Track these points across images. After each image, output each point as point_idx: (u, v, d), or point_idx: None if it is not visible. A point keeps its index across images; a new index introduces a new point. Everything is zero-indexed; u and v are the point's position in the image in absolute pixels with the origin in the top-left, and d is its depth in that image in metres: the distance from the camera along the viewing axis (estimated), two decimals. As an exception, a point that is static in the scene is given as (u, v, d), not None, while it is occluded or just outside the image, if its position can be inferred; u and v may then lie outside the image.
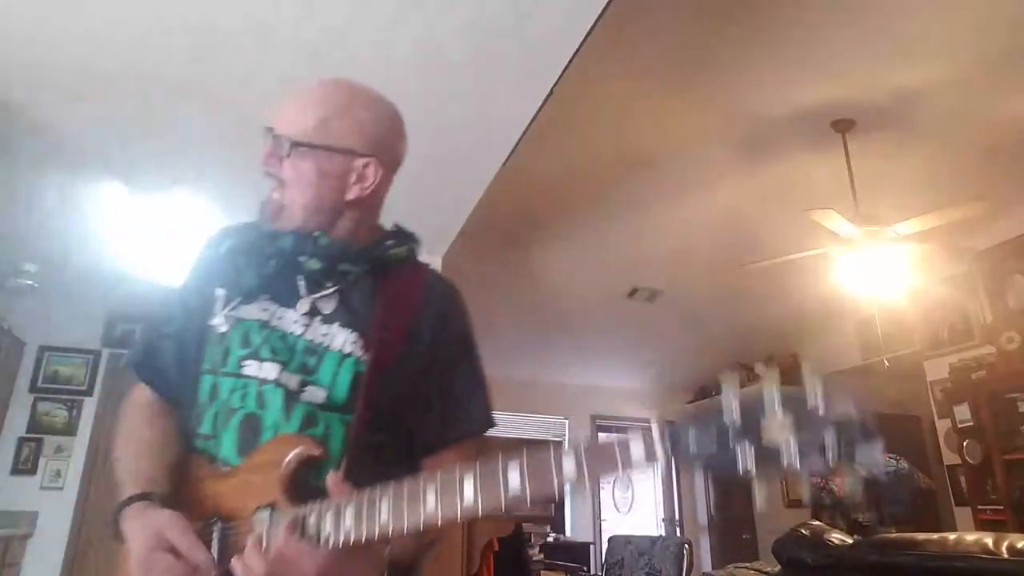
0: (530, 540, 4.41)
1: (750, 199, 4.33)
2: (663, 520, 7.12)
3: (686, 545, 4.01)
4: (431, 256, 3.84)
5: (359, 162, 0.95)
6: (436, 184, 3.03)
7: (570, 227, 4.59)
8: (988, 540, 1.54)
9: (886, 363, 5.02)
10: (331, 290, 0.92)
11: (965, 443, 4.53)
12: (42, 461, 4.47)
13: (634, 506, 7.33)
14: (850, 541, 1.87)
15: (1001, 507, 4.19)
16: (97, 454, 4.59)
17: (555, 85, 2.34)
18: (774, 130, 3.67)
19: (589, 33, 2.15)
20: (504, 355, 6.26)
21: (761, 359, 6.72)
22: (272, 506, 0.80)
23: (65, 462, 4.51)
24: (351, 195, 0.95)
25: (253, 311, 0.92)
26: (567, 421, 7.00)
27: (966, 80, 3.25)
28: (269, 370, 0.89)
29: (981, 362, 4.60)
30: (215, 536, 0.82)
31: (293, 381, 0.89)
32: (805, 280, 4.74)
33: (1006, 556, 1.47)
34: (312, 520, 0.75)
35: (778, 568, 2.02)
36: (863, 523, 4.93)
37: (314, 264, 0.91)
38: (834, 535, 1.89)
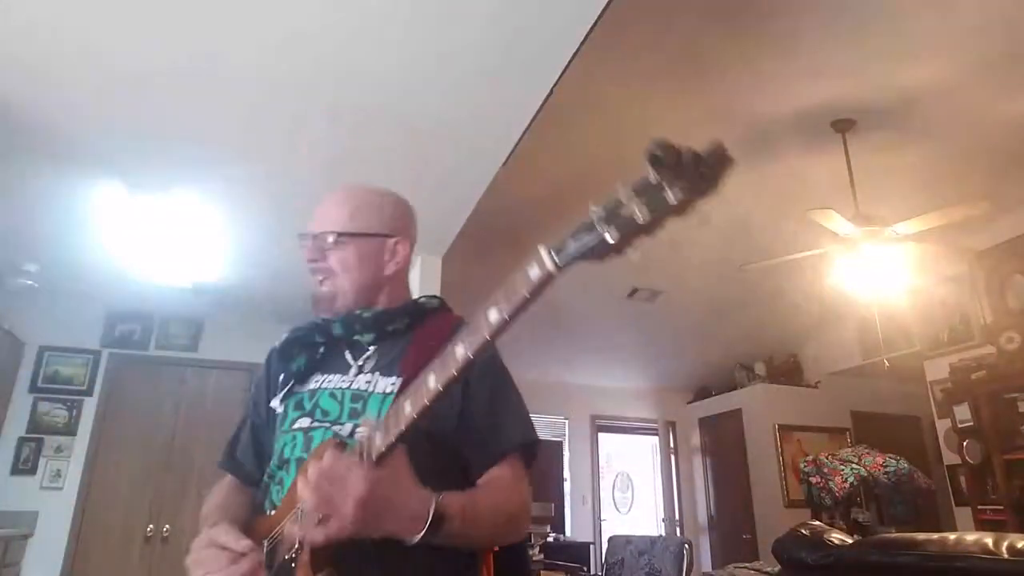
0: (530, 540, 4.41)
1: (750, 199, 4.33)
2: (663, 520, 7.13)
3: (686, 545, 4.01)
4: (431, 257, 3.84)
5: (390, 242, 1.11)
6: (436, 184, 3.03)
7: (570, 227, 4.58)
8: (988, 540, 1.54)
9: (886, 363, 5.03)
10: (371, 351, 1.06)
11: (965, 443, 4.53)
12: (42, 461, 4.47)
13: (634, 506, 7.33)
14: (850, 541, 1.87)
15: (1001, 507, 4.20)
16: (97, 454, 4.60)
17: (555, 85, 2.34)
18: (774, 130, 3.67)
19: (589, 33, 2.15)
20: (504, 355, 6.25)
21: (761, 359, 6.74)
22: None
23: (65, 462, 4.51)
24: (388, 271, 1.11)
25: (302, 387, 1.07)
26: (567, 421, 7.01)
27: (966, 80, 3.25)
28: (319, 421, 1.00)
29: (981, 362, 4.60)
30: (265, 548, 0.90)
31: (345, 429, 0.97)
32: (805, 280, 4.75)
33: (1006, 556, 1.47)
34: (357, 438, 0.79)
35: (778, 568, 2.02)
36: (863, 523, 4.93)
37: (366, 337, 1.06)
38: (834, 535, 1.89)
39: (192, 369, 4.98)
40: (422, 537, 0.76)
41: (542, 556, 4.97)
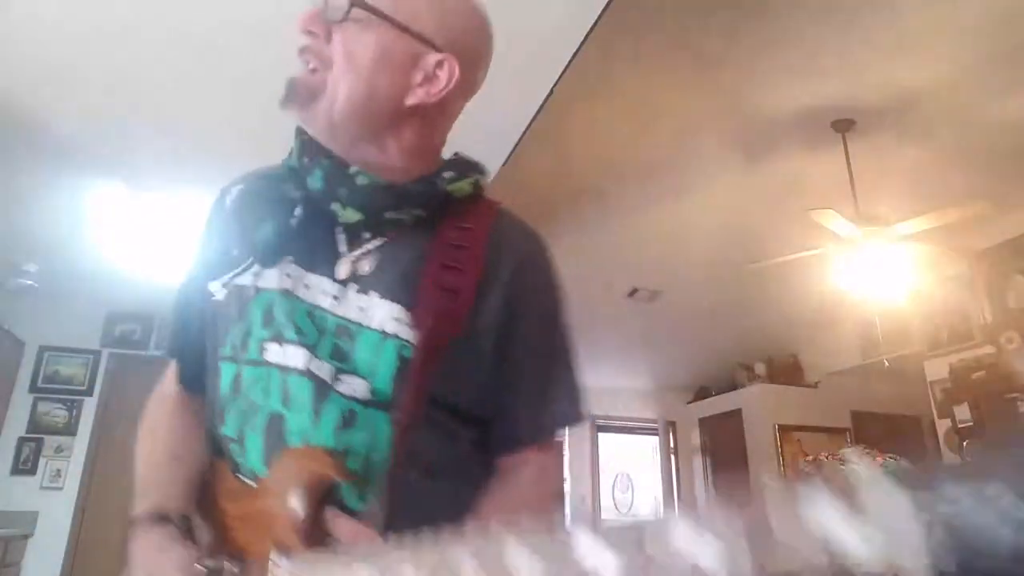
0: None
1: (750, 199, 4.33)
2: (663, 520, 7.11)
3: (686, 545, 4.00)
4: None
5: (433, 57, 0.72)
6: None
7: (570, 227, 4.59)
8: (988, 540, 1.54)
9: (886, 363, 5.02)
10: (372, 246, 0.72)
11: (965, 443, 4.52)
12: (42, 461, 4.47)
13: (634, 506, 7.32)
14: (850, 541, 1.87)
15: (1001, 507, 4.19)
16: (97, 454, 4.59)
17: (555, 85, 2.34)
18: (774, 130, 3.66)
19: (589, 33, 2.15)
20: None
21: (761, 359, 6.73)
22: (286, 551, 0.60)
23: (65, 462, 4.51)
24: (414, 98, 0.72)
25: (273, 278, 0.71)
26: (567, 421, 6.99)
27: (966, 80, 3.25)
28: (294, 356, 0.68)
29: (981, 362, 4.60)
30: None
31: (325, 370, 0.68)
32: (805, 280, 4.74)
33: (1006, 556, 1.47)
34: None
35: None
36: (863, 523, 4.93)
37: (351, 215, 0.70)
38: (834, 535, 1.89)
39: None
40: None
41: (542, 556, 4.96)
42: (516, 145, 2.77)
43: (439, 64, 0.72)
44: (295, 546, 0.60)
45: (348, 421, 0.66)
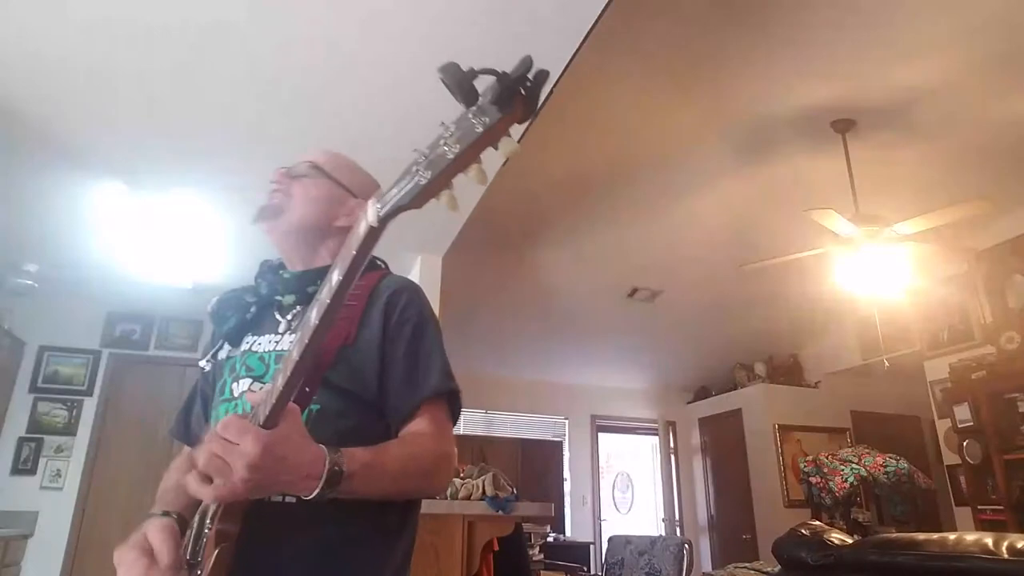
0: (530, 540, 4.41)
1: (750, 199, 4.33)
2: (663, 520, 7.12)
3: (686, 545, 4.01)
4: (431, 256, 3.83)
5: (352, 200, 1.14)
6: (436, 184, 3.02)
7: (570, 227, 4.59)
8: (988, 540, 1.54)
9: (886, 363, 5.03)
10: (300, 309, 1.07)
11: (965, 443, 4.53)
12: (42, 461, 4.47)
13: (634, 506, 7.33)
14: (850, 541, 1.87)
15: (1001, 507, 4.20)
16: (97, 454, 4.60)
17: (555, 85, 2.34)
18: (774, 130, 3.67)
19: (588, 34, 2.15)
20: (504, 355, 6.27)
21: (761, 359, 6.74)
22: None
23: (65, 462, 4.51)
24: (339, 222, 1.12)
25: (236, 349, 1.08)
26: (567, 421, 7.01)
27: (966, 80, 3.25)
28: (244, 385, 1.01)
29: (981, 362, 4.60)
30: (190, 532, 0.87)
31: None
32: (805, 280, 4.75)
33: (1006, 556, 1.47)
34: (247, 399, 0.83)
35: (778, 568, 2.02)
36: (863, 523, 4.93)
37: (288, 299, 1.08)
38: (834, 535, 1.89)
39: (192, 369, 4.94)
40: (318, 493, 0.76)
41: (542, 556, 4.97)
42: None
43: (357, 205, 1.13)
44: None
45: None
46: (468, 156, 0.56)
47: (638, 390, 7.31)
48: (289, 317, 1.07)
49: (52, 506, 4.38)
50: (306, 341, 0.71)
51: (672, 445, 7.38)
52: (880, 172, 3.87)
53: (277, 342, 1.05)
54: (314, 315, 0.70)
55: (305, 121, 2.59)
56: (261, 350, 1.05)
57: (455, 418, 1.04)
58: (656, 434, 7.41)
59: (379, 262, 1.19)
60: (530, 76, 0.55)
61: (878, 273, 3.56)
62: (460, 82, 0.56)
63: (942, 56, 3.12)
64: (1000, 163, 3.94)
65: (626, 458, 7.47)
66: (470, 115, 0.55)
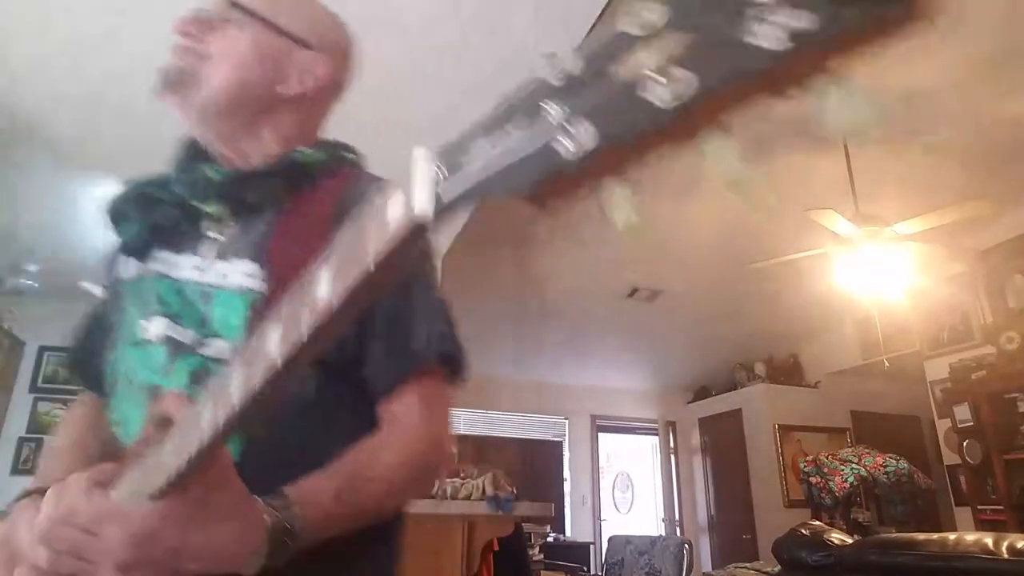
0: (530, 540, 4.41)
1: (750, 199, 4.33)
2: (663, 520, 7.13)
3: (686, 545, 4.01)
4: (431, 256, 3.83)
5: (307, 54, 0.80)
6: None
7: (570, 227, 4.59)
8: (988, 540, 1.54)
9: (886, 363, 5.03)
10: (234, 223, 0.76)
11: (965, 443, 4.53)
12: (42, 461, 4.47)
13: (634, 506, 7.33)
14: (850, 541, 1.87)
15: (1001, 507, 4.20)
16: (97, 454, 4.60)
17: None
18: (774, 130, 3.67)
19: (589, 33, 2.15)
20: (504, 355, 6.27)
21: (761, 359, 6.74)
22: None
23: (65, 462, 4.52)
24: (289, 89, 0.79)
25: (149, 267, 0.77)
26: (567, 421, 7.01)
27: (966, 80, 3.25)
28: (162, 328, 0.72)
29: (981, 362, 4.61)
30: None
31: (188, 336, 0.71)
32: (805, 280, 4.75)
33: (1006, 556, 1.47)
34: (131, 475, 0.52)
35: (778, 568, 2.02)
36: (863, 523, 4.93)
37: (215, 209, 0.75)
38: (834, 535, 1.89)
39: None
40: (262, 568, 0.53)
41: (542, 556, 4.97)
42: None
43: (315, 60, 0.80)
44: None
45: (199, 377, 0.68)
46: (711, 105, 0.24)
47: (638, 390, 7.31)
48: (220, 235, 0.76)
49: (52, 506, 4.39)
50: (254, 385, 0.40)
51: (672, 445, 7.38)
52: (880, 172, 3.87)
53: (201, 270, 0.74)
54: (273, 344, 0.39)
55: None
56: (178, 276, 0.75)
57: (456, 384, 0.77)
58: (656, 434, 7.41)
59: (347, 154, 0.84)
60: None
61: (878, 273, 3.56)
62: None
63: (942, 56, 3.12)
64: (999, 163, 3.94)
65: (626, 458, 7.47)
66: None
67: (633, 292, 5.53)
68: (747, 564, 3.88)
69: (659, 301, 5.65)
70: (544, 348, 6.23)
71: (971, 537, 1.59)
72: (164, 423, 0.52)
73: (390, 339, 0.72)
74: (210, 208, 0.76)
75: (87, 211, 3.32)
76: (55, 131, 2.66)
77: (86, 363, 0.87)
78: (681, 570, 3.82)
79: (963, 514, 4.75)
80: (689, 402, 7.38)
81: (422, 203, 0.30)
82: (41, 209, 3.31)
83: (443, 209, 0.30)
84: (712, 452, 7.03)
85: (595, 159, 0.25)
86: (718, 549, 6.63)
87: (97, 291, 0.84)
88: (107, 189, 2.75)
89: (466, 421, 6.44)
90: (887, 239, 3.48)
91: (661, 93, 0.22)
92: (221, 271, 0.73)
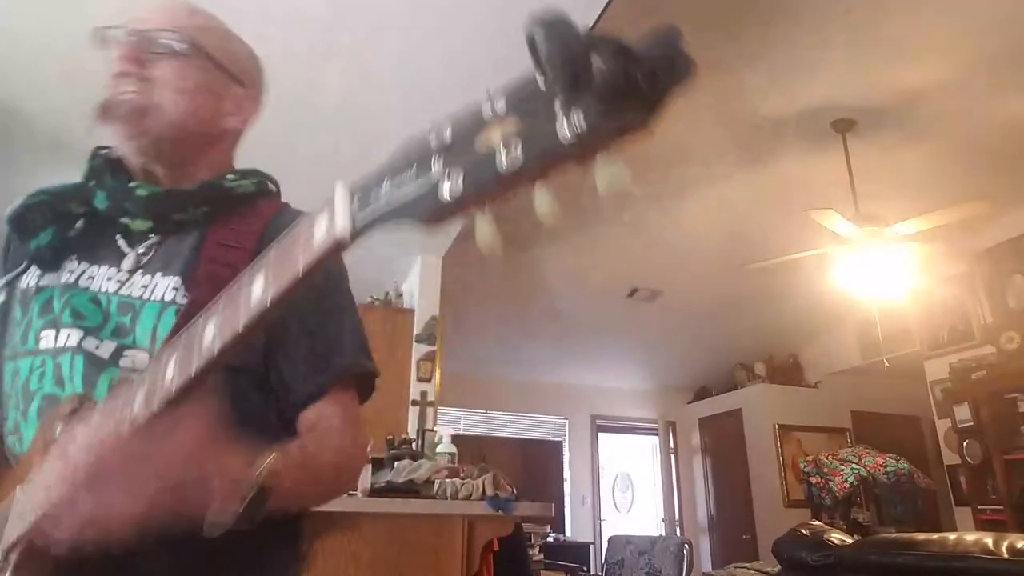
0: (530, 540, 4.41)
1: (750, 199, 4.33)
2: (663, 520, 7.13)
3: (686, 545, 4.01)
4: (431, 256, 3.83)
5: (240, 90, 0.84)
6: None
7: (571, 227, 4.59)
8: (988, 540, 1.54)
9: (886, 363, 5.03)
10: (156, 239, 0.78)
11: (965, 443, 4.53)
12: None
13: (634, 506, 7.33)
14: (850, 541, 1.87)
15: (1001, 507, 4.20)
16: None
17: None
18: (774, 130, 3.67)
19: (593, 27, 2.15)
20: (504, 355, 6.27)
21: (761, 359, 6.74)
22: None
23: (65, 462, 4.51)
24: (228, 123, 0.84)
25: (53, 276, 0.77)
26: (567, 421, 7.01)
27: (966, 80, 3.25)
28: (67, 337, 0.72)
29: (981, 362, 4.61)
30: None
31: (107, 348, 0.71)
32: (805, 280, 4.75)
33: (1006, 556, 1.47)
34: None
35: (778, 568, 2.02)
36: (863, 523, 4.94)
37: (140, 224, 0.77)
38: (834, 535, 1.89)
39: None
40: (239, 521, 0.54)
41: (542, 556, 4.97)
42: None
43: (246, 95, 0.86)
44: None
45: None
46: (533, 171, 0.34)
47: (638, 390, 7.31)
48: (141, 250, 0.77)
49: (52, 506, 4.39)
50: (190, 372, 0.47)
51: (672, 445, 7.39)
52: (880, 172, 3.87)
53: (121, 281, 0.75)
54: (210, 335, 0.46)
55: (310, 124, 2.59)
56: (96, 288, 0.75)
57: (363, 402, 0.81)
58: (656, 434, 7.41)
59: (271, 185, 0.88)
60: (671, 61, 0.34)
61: (878, 273, 3.56)
62: (567, 47, 0.33)
63: (942, 56, 3.12)
64: (1000, 163, 3.94)
65: (626, 458, 7.47)
66: (556, 104, 0.33)
67: (633, 292, 5.53)
68: (747, 564, 3.88)
69: (659, 301, 5.65)
70: (544, 348, 6.23)
71: (971, 537, 1.59)
72: (77, 407, 0.58)
73: (313, 350, 0.76)
74: (136, 224, 0.77)
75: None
76: (55, 131, 2.66)
77: None
78: (681, 570, 3.82)
79: (963, 514, 4.75)
80: (689, 402, 7.38)
81: (342, 225, 0.40)
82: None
83: (356, 232, 0.40)
84: (712, 452, 7.03)
85: (465, 200, 0.35)
86: (718, 549, 6.63)
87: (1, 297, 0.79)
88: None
89: (466, 421, 6.44)
90: (887, 239, 3.48)
91: (502, 160, 0.34)
92: (143, 284, 0.75)
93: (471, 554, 2.56)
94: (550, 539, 5.62)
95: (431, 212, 0.36)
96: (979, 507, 4.42)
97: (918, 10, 2.85)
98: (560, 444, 6.90)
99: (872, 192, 3.72)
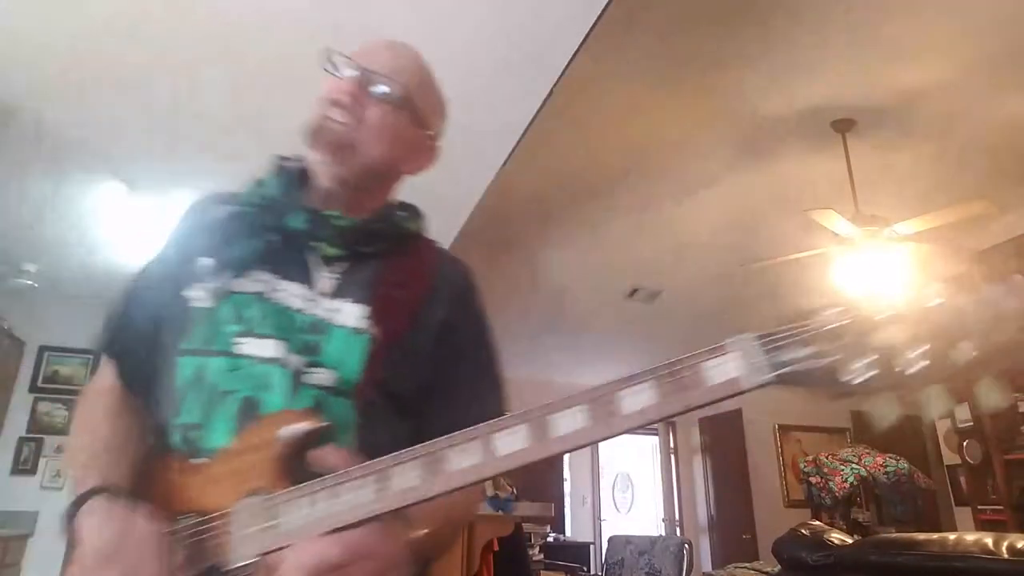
0: (530, 540, 4.41)
1: (750, 199, 4.33)
2: (663, 520, 7.12)
3: (686, 545, 4.01)
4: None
5: (429, 143, 0.91)
6: (436, 184, 3.03)
7: (571, 227, 4.59)
8: (988, 540, 1.54)
9: (886, 363, 5.02)
10: (341, 267, 0.83)
11: (965, 443, 4.53)
12: (42, 461, 4.47)
13: (634, 506, 7.33)
14: (850, 541, 1.87)
15: (1001, 507, 4.20)
16: (97, 454, 4.60)
17: (555, 85, 2.35)
18: (774, 130, 3.66)
19: (589, 33, 2.15)
20: (505, 355, 6.26)
21: (761, 359, 6.73)
22: (259, 492, 0.64)
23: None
24: (408, 169, 0.91)
25: (245, 283, 0.80)
26: (567, 421, 7.00)
27: (966, 80, 3.25)
28: (269, 348, 0.76)
29: (981, 362, 4.61)
30: (186, 535, 0.67)
31: (296, 362, 0.76)
32: (805, 280, 4.74)
33: (1006, 556, 1.47)
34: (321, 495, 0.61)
35: (778, 568, 2.02)
36: (863, 523, 4.93)
37: (331, 251, 0.82)
38: (834, 535, 1.89)
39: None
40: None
41: (542, 556, 4.97)
42: (516, 145, 2.77)
43: (432, 148, 0.93)
44: (271, 485, 0.64)
45: (318, 407, 0.73)
46: (933, 378, 0.44)
47: (638, 390, 7.30)
48: (327, 273, 0.82)
49: (52, 506, 4.38)
50: (429, 493, 0.56)
51: (672, 445, 7.38)
52: (880, 172, 3.87)
53: (311, 300, 0.80)
54: (456, 465, 0.56)
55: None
56: (284, 303, 0.79)
57: None
58: (656, 434, 7.41)
59: (423, 221, 0.94)
60: None
61: (878, 273, 3.56)
62: None
63: (942, 56, 3.12)
64: (1000, 163, 3.94)
65: (626, 458, 7.47)
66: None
67: (633, 292, 5.53)
68: (747, 564, 3.87)
69: (659, 301, 5.64)
70: (544, 348, 6.23)
71: (971, 537, 1.59)
72: (310, 437, 0.66)
73: (455, 407, 0.80)
74: (329, 250, 0.83)
75: (87, 212, 3.32)
76: (56, 131, 2.66)
77: (134, 356, 0.85)
78: (681, 570, 3.82)
79: (963, 514, 4.75)
80: (689, 402, 7.37)
81: (751, 378, 0.48)
82: (41, 209, 3.30)
83: (761, 385, 0.46)
84: (712, 452, 7.03)
85: (866, 387, 0.43)
86: (718, 549, 6.63)
87: (202, 295, 0.80)
88: (107, 189, 2.73)
89: (466, 421, 6.43)
90: (887, 239, 3.48)
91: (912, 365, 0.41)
92: (331, 307, 0.80)
93: (471, 554, 2.56)
94: (550, 539, 5.62)
95: (830, 386, 0.42)
96: (979, 507, 4.42)
97: (918, 10, 2.85)
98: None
99: (872, 192, 3.71)
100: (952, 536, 1.63)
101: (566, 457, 6.85)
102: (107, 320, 0.88)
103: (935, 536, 1.66)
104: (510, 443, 0.54)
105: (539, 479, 6.36)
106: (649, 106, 3.49)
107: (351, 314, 0.79)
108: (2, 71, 2.32)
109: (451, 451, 0.56)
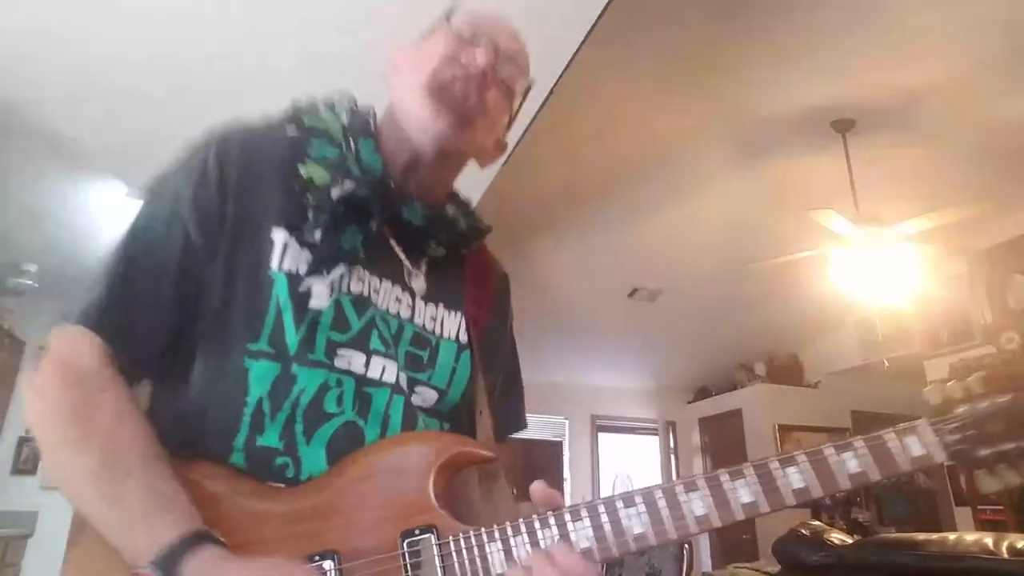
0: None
1: (750, 199, 4.33)
2: (663, 520, 7.12)
3: (686, 545, 4.01)
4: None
5: (507, 132, 0.84)
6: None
7: (571, 227, 4.59)
8: (988, 540, 1.54)
9: (886, 363, 5.02)
10: (425, 264, 0.74)
11: (965, 443, 4.53)
12: (42, 461, 4.47)
13: (634, 506, 7.32)
14: (850, 541, 1.87)
15: (1001, 507, 4.20)
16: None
17: (555, 85, 2.34)
18: (774, 130, 3.67)
19: (589, 33, 2.15)
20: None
21: (761, 359, 6.74)
22: (428, 529, 0.58)
23: (65, 462, 4.51)
24: (483, 161, 0.83)
25: (344, 280, 0.67)
26: (567, 421, 7.00)
27: (966, 80, 3.25)
28: (383, 371, 0.66)
29: (981, 362, 4.59)
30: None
31: (406, 382, 0.68)
32: (805, 280, 4.74)
33: (1006, 556, 1.47)
34: (548, 532, 0.60)
35: (778, 568, 2.02)
36: (863, 523, 4.93)
37: (439, 251, 0.74)
38: (834, 535, 1.89)
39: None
40: None
41: (542, 556, 4.96)
42: (516, 146, 2.77)
43: (504, 146, 0.85)
44: (440, 522, 0.59)
45: (411, 425, 0.68)
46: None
47: (638, 390, 7.31)
48: (421, 272, 0.74)
49: (52, 506, 4.38)
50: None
51: (672, 445, 7.38)
52: (880, 172, 3.87)
53: (411, 307, 0.71)
54: (637, 528, 0.63)
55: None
56: (384, 308, 0.69)
57: None
58: (656, 434, 7.41)
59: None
60: None
61: (878, 273, 3.56)
62: None
63: (942, 56, 3.12)
64: (1000, 163, 3.94)
65: (626, 458, 7.47)
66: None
67: (633, 292, 5.53)
68: (747, 564, 3.87)
69: (659, 301, 5.64)
70: (544, 348, 6.23)
71: (971, 537, 1.59)
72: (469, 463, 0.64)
73: (501, 407, 0.78)
74: (438, 252, 0.74)
75: (87, 211, 3.32)
76: (56, 131, 2.66)
77: (139, 338, 0.65)
78: (681, 570, 3.82)
79: (963, 514, 4.75)
80: (689, 402, 7.38)
81: (939, 455, 0.59)
82: (41, 209, 3.31)
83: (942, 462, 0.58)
84: (712, 452, 7.02)
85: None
86: (718, 549, 6.63)
87: (323, 292, 0.64)
88: (107, 189, 2.73)
89: (466, 421, 6.44)
90: (887, 239, 3.48)
91: None
92: (432, 316, 0.73)
93: (471, 554, 2.56)
94: (550, 539, 5.61)
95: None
96: (979, 507, 4.42)
97: (918, 10, 2.85)
98: (560, 444, 6.89)
99: (872, 192, 3.71)
100: (952, 536, 1.63)
101: (566, 457, 6.86)
102: (103, 284, 0.70)
103: (935, 536, 1.66)
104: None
105: (539, 479, 6.36)
106: (649, 107, 3.49)
107: (453, 324, 0.73)
108: (2, 70, 2.32)
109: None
